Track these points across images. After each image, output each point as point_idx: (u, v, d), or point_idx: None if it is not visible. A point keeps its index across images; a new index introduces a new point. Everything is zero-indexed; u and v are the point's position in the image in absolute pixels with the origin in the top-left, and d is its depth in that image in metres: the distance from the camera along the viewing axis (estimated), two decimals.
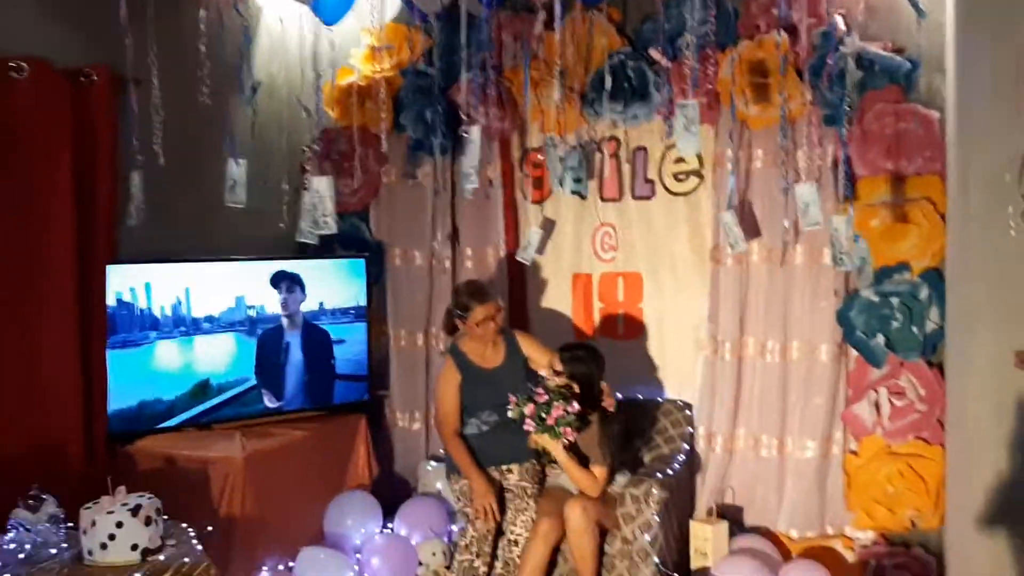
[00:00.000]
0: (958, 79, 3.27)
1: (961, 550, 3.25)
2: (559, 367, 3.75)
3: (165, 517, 3.08)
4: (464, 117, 3.84)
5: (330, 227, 3.78)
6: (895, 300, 3.73)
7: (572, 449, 3.67)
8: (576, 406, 3.56)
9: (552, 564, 3.71)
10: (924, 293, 3.72)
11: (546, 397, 3.54)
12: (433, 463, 4.55)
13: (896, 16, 3.76)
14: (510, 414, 3.61)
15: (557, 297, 4.63)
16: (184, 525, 3.21)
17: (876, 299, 3.77)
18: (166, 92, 3.55)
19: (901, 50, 3.76)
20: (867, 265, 3.81)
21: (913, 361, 3.77)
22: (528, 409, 3.54)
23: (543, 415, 3.52)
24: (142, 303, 3.91)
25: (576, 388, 3.67)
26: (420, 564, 4.04)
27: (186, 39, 3.62)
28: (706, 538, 3.84)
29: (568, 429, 3.54)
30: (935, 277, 3.72)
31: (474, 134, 3.62)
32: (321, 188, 3.69)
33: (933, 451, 3.75)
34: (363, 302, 4.57)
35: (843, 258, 3.58)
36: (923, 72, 3.71)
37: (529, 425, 3.55)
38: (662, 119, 4.09)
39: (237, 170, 3.70)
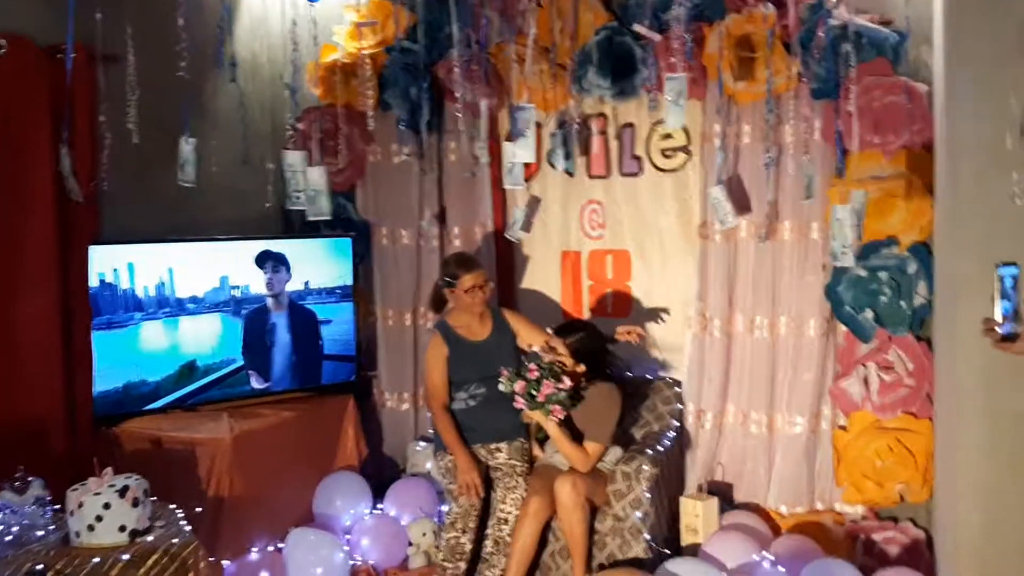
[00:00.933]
0: (946, 51, 3.24)
1: (949, 523, 3.26)
2: (557, 344, 3.74)
3: (153, 498, 3.05)
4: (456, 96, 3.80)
5: (301, 203, 3.80)
6: (883, 275, 3.73)
7: (566, 423, 3.67)
8: (568, 383, 3.56)
9: (543, 542, 3.71)
10: (912, 267, 3.72)
11: (537, 374, 3.53)
12: (422, 443, 4.55)
13: None
14: (501, 388, 3.62)
15: (546, 275, 4.61)
16: (172, 506, 3.19)
17: (864, 274, 3.77)
18: (146, 69, 3.50)
19: (889, 22, 3.74)
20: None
21: (901, 336, 3.77)
22: (518, 386, 3.53)
23: (533, 392, 3.52)
24: (125, 284, 3.87)
25: (569, 365, 3.66)
26: (410, 544, 4.04)
27: (166, 16, 3.57)
28: (696, 514, 3.85)
29: (558, 407, 3.53)
30: (923, 251, 3.72)
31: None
32: (295, 163, 3.71)
33: (922, 425, 3.76)
34: (350, 282, 4.54)
35: (846, 252, 3.55)
36: (911, 44, 3.69)
37: (519, 402, 3.55)
38: (647, 94, 4.06)
39: (188, 149, 3.66)
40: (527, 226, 4.46)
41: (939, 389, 3.59)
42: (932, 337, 3.74)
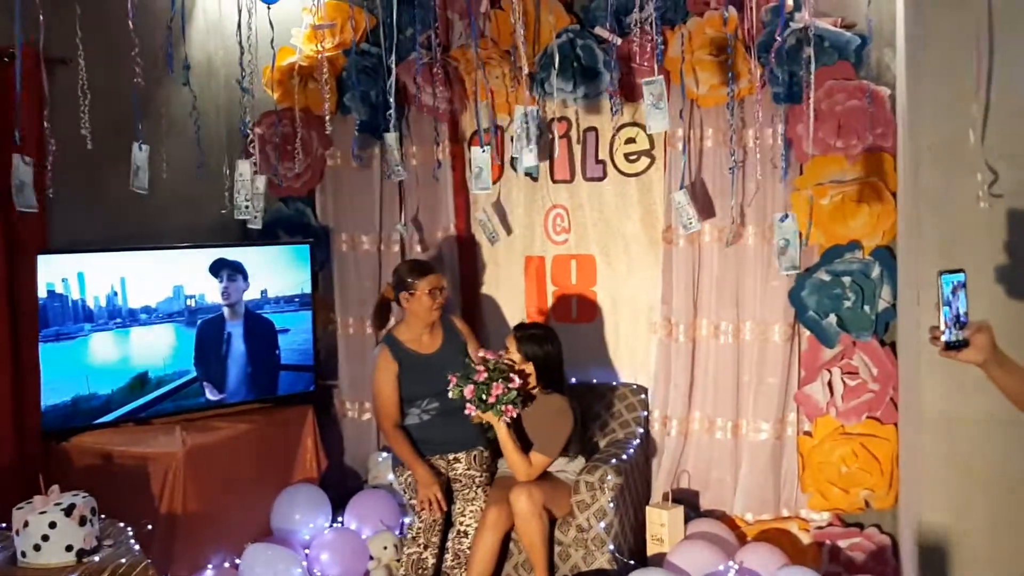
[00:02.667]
0: (908, 54, 3.23)
1: (914, 530, 3.24)
2: (509, 343, 3.68)
3: (102, 516, 3.01)
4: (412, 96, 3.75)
5: (247, 212, 3.76)
6: (847, 279, 3.71)
7: (517, 429, 3.62)
8: (517, 381, 3.52)
9: (505, 554, 3.65)
10: (875, 272, 3.70)
11: (485, 375, 3.48)
12: (384, 454, 4.48)
13: None
14: (450, 395, 3.57)
15: (510, 280, 4.55)
16: (122, 524, 3.14)
17: (828, 278, 3.75)
18: (96, 73, 3.40)
19: (851, 25, 3.73)
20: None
21: (865, 340, 3.75)
22: (467, 390, 3.49)
23: (483, 396, 3.47)
24: (75, 294, 3.76)
25: (517, 361, 3.63)
26: (371, 558, 3.95)
27: (117, 18, 3.47)
28: (662, 524, 3.80)
29: (510, 407, 3.49)
30: (886, 255, 3.71)
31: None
32: (244, 172, 3.65)
33: (886, 430, 3.74)
34: (308, 289, 4.45)
35: (793, 259, 3.54)
36: (873, 48, 3.68)
37: (470, 408, 3.50)
38: (610, 98, 4.02)
39: (140, 155, 3.57)
40: (493, 237, 4.41)
41: (903, 394, 3.58)
42: (896, 341, 3.73)
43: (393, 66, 3.76)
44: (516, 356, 3.66)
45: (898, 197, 3.60)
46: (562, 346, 3.77)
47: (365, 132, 4.50)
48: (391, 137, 3.98)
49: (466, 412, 3.54)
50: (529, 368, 3.66)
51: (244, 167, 3.73)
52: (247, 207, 3.78)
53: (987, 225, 2.94)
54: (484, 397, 3.48)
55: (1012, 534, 3.00)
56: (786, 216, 3.51)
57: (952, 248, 2.99)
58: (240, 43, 3.50)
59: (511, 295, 4.55)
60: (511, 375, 3.54)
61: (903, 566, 3.60)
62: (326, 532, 4.01)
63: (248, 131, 3.70)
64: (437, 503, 3.63)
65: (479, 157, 3.95)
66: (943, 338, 2.00)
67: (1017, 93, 2.91)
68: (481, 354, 3.65)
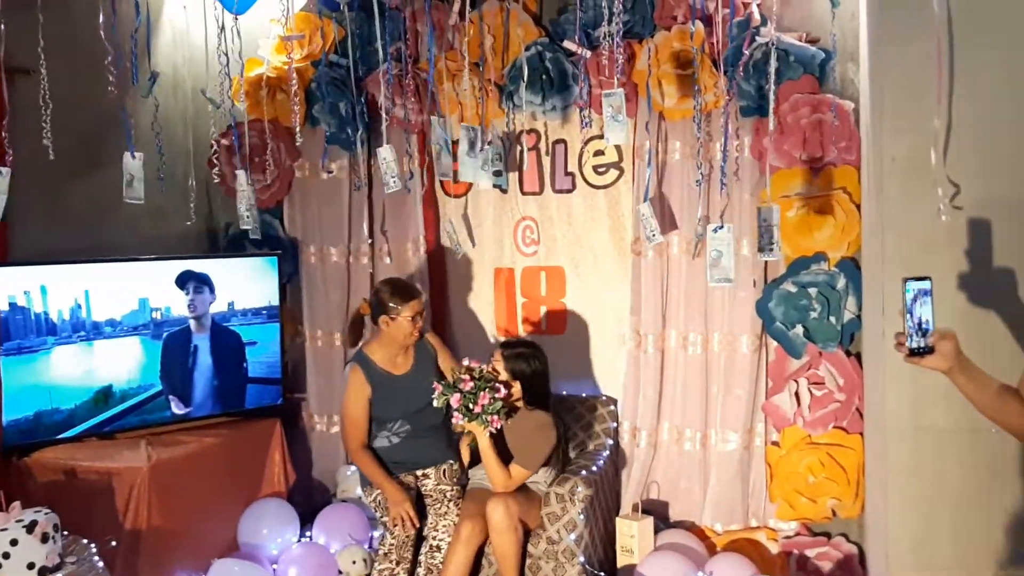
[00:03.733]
0: (872, 68, 3.28)
1: (880, 539, 3.27)
2: (496, 358, 3.67)
3: (65, 533, 2.96)
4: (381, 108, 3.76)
5: (249, 223, 3.87)
6: (813, 290, 3.75)
7: (498, 441, 3.61)
8: (503, 391, 3.51)
9: (477, 568, 3.63)
10: (841, 283, 3.75)
11: (471, 384, 3.47)
12: (352, 467, 4.43)
13: (810, 6, 3.78)
14: (435, 403, 3.54)
15: (479, 293, 4.55)
16: (86, 541, 3.09)
17: (794, 290, 3.79)
18: (60, 83, 3.36)
19: (816, 40, 3.78)
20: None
21: (831, 351, 3.79)
22: (454, 399, 3.46)
23: (470, 405, 3.45)
24: (38, 307, 3.70)
25: (501, 370, 3.62)
26: (340, 573, 3.91)
27: (82, 29, 3.43)
28: (632, 535, 3.81)
29: (495, 417, 3.47)
30: (851, 267, 3.75)
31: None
32: (243, 182, 3.71)
33: (852, 440, 3.78)
34: (276, 302, 4.41)
35: (773, 247, 3.57)
36: (837, 62, 3.73)
37: (456, 417, 3.49)
38: (579, 110, 4.04)
39: (134, 163, 3.53)
40: (459, 246, 4.41)
41: (868, 404, 3.62)
42: (861, 352, 3.77)
43: (386, 74, 3.76)
44: (504, 375, 3.63)
45: (862, 209, 3.64)
46: (548, 361, 3.75)
47: (334, 144, 4.48)
48: (386, 150, 3.91)
49: (452, 420, 3.52)
50: (516, 386, 3.64)
51: (241, 177, 3.76)
52: (248, 216, 3.83)
53: (950, 236, 2.99)
54: (471, 407, 3.46)
55: (977, 542, 3.04)
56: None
57: (916, 259, 3.03)
58: (220, 60, 3.48)
59: (481, 307, 4.54)
60: (497, 385, 3.53)
61: (870, 575, 3.64)
62: (294, 547, 3.96)
63: (213, 146, 3.68)
64: (410, 520, 3.59)
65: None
66: (908, 344, 2.02)
67: (976, 107, 2.97)
68: (467, 363, 3.62)
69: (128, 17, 3.83)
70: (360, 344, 3.90)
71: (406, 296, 3.66)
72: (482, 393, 3.46)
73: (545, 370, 3.72)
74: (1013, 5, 2.93)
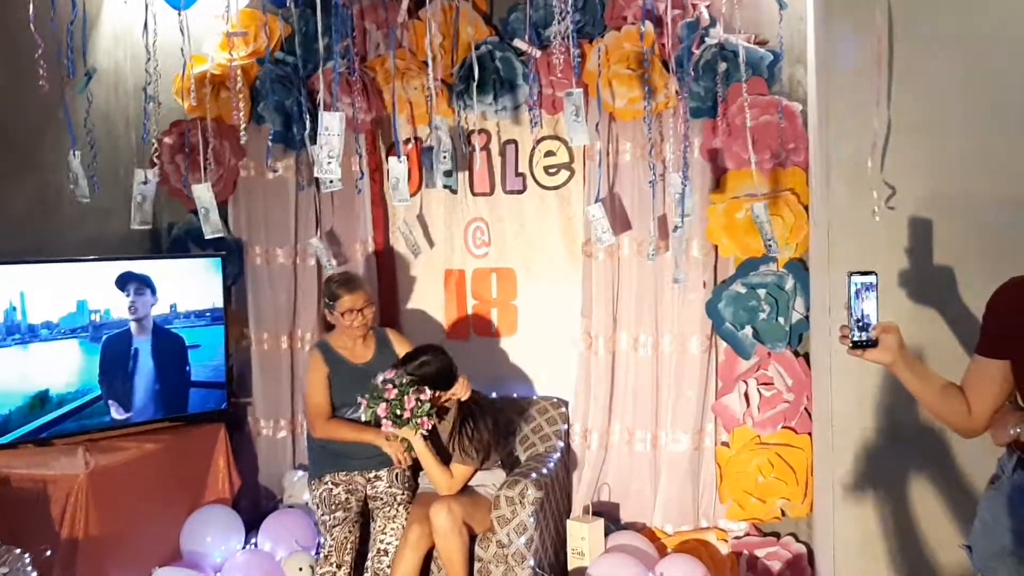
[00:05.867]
0: (819, 70, 3.30)
1: (828, 538, 3.28)
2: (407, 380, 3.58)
3: None
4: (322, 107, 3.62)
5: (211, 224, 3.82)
6: (761, 291, 3.76)
7: (434, 445, 3.56)
8: (428, 392, 3.47)
9: (426, 572, 3.58)
10: (789, 284, 3.76)
11: (395, 391, 3.42)
12: (300, 472, 4.35)
13: (759, 8, 3.79)
14: (363, 417, 3.51)
15: (429, 294, 4.50)
16: (19, 551, 2.94)
17: (743, 291, 3.79)
18: None
19: (764, 42, 3.80)
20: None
21: (780, 351, 3.81)
22: (381, 409, 3.42)
23: (398, 412, 3.40)
24: None
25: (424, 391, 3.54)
26: None
27: (15, 22, 3.32)
28: (582, 537, 3.78)
29: (425, 419, 3.44)
30: (799, 268, 3.77)
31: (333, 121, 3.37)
32: (202, 194, 3.64)
33: (801, 440, 3.80)
34: (220, 304, 4.30)
35: (771, 244, 3.59)
36: (785, 64, 3.75)
37: (386, 425, 3.44)
38: (529, 110, 4.01)
39: (75, 162, 3.42)
40: (415, 248, 4.36)
41: (816, 404, 3.64)
42: (809, 352, 3.80)
43: (338, 73, 3.69)
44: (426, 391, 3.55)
45: (810, 210, 3.67)
46: (446, 352, 3.65)
47: (280, 143, 4.39)
48: (331, 117, 3.75)
49: (383, 429, 3.46)
50: (427, 392, 3.53)
51: (201, 190, 3.81)
52: (207, 214, 3.84)
53: (895, 236, 3.01)
54: (399, 412, 3.42)
55: (923, 540, 3.06)
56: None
57: (862, 259, 3.04)
58: (155, 57, 3.39)
59: (431, 308, 4.49)
60: (422, 387, 3.48)
61: (818, 574, 3.65)
62: (239, 554, 3.88)
63: (151, 144, 3.59)
64: (404, 458, 3.61)
65: (396, 168, 3.88)
66: (851, 337, 2.03)
67: (920, 108, 2.99)
68: (381, 377, 3.55)
69: (65, 13, 3.73)
70: (327, 333, 3.93)
71: (347, 288, 3.73)
72: (406, 397, 3.43)
73: (447, 362, 3.61)
74: (953, 9, 2.97)
